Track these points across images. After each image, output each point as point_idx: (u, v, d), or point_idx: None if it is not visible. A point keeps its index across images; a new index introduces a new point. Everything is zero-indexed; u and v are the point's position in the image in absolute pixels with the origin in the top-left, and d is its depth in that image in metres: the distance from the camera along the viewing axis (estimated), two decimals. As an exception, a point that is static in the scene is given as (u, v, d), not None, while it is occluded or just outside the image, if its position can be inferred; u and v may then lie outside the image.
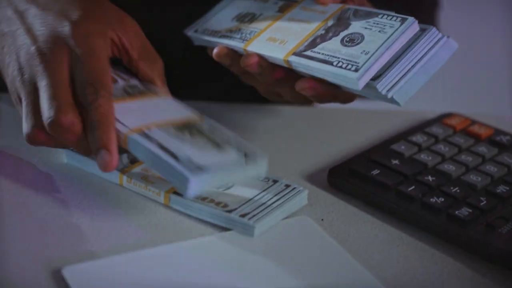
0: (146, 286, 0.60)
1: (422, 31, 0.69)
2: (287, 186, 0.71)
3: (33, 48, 0.69)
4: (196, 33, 0.79)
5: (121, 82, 0.73)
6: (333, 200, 0.73)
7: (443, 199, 0.70)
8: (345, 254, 0.65)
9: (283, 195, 0.70)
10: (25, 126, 0.68)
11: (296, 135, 0.83)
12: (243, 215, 0.67)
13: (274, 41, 0.73)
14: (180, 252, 0.64)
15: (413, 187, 0.71)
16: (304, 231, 0.68)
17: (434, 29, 0.69)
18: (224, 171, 0.64)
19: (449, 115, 0.83)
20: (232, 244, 0.65)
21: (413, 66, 0.68)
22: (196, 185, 0.63)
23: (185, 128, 0.68)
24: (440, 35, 0.69)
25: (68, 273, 0.60)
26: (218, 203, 0.67)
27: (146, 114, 0.69)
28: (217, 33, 0.77)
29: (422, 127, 0.81)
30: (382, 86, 0.67)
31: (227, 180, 0.67)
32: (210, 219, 0.67)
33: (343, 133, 0.84)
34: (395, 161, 0.75)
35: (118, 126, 0.67)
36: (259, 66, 0.72)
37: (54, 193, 0.71)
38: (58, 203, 0.69)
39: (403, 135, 0.79)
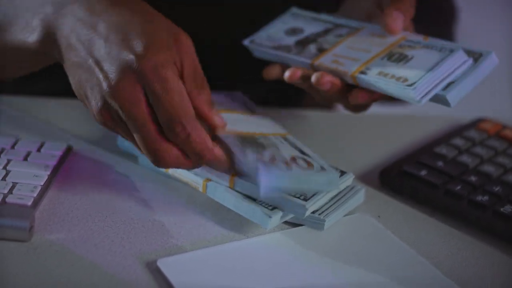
0: (230, 277, 0.67)
1: (450, 51, 0.77)
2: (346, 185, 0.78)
3: (105, 84, 0.69)
4: (253, 44, 0.86)
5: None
6: (385, 199, 0.80)
7: (487, 197, 0.77)
8: (407, 248, 0.72)
9: (344, 194, 0.77)
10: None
11: (342, 139, 0.90)
12: (313, 212, 0.74)
13: (338, 62, 0.80)
14: (263, 245, 0.71)
15: (460, 186, 0.78)
16: (366, 227, 0.75)
17: (460, 51, 0.76)
18: (298, 174, 0.71)
19: (482, 120, 0.91)
20: (304, 239, 0.72)
21: (442, 80, 0.75)
22: (267, 181, 0.68)
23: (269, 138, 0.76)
24: (465, 57, 0.76)
25: (163, 264, 0.67)
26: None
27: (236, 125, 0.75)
28: (276, 47, 0.84)
29: (459, 131, 0.88)
30: (417, 92, 0.74)
31: (301, 184, 0.72)
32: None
33: (385, 137, 0.91)
34: (440, 163, 0.82)
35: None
36: (331, 85, 0.79)
37: (134, 192, 0.77)
38: (139, 201, 0.76)
39: (444, 139, 0.87)
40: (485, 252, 0.74)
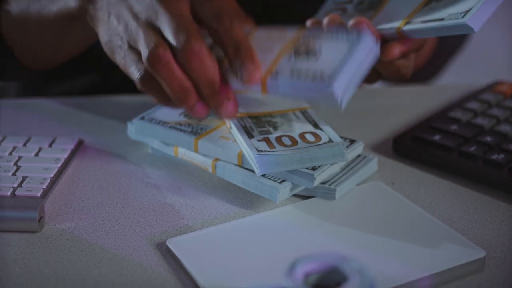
0: (240, 252, 0.66)
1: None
2: (358, 156, 0.77)
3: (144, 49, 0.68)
4: None
5: None
6: (399, 166, 0.79)
7: (503, 156, 0.75)
8: (421, 210, 0.71)
9: (356, 164, 0.76)
10: (147, 53, 0.68)
11: (356, 112, 0.89)
12: (323, 183, 0.73)
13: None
14: (270, 220, 0.70)
15: (475, 147, 0.77)
16: (379, 193, 0.73)
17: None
18: (295, 154, 0.71)
19: (497, 83, 0.89)
20: (315, 210, 0.71)
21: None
22: (339, 88, 0.66)
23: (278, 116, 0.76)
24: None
25: (172, 244, 0.67)
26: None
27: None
28: None
29: (474, 95, 0.87)
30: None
31: (303, 161, 0.71)
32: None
33: (400, 108, 0.90)
34: (454, 126, 0.80)
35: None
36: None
37: (145, 178, 0.77)
38: (150, 187, 0.76)
39: (459, 103, 0.85)
40: (503, 209, 0.72)
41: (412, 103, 0.91)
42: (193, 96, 0.69)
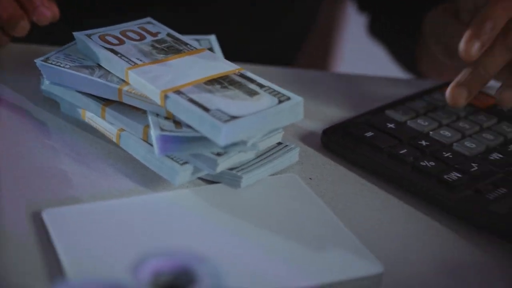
0: (117, 234, 0.60)
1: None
2: (279, 143, 0.71)
3: None
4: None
5: (148, 38, 0.73)
6: (324, 161, 0.73)
7: (434, 164, 0.69)
8: (329, 212, 0.64)
9: (275, 152, 0.70)
10: None
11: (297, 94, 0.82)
12: (231, 169, 0.67)
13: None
14: (165, 202, 0.64)
15: (406, 150, 0.70)
16: (290, 187, 0.67)
17: None
18: (257, 117, 0.64)
19: (448, 83, 0.82)
20: (216, 197, 0.65)
21: None
22: (228, 133, 0.62)
23: (216, 81, 0.68)
24: None
25: (47, 215, 0.61)
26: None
27: (179, 74, 0.68)
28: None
29: (422, 94, 0.80)
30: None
31: (262, 125, 0.65)
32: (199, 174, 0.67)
33: (343, 97, 0.83)
34: (391, 125, 0.74)
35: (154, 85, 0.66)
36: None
37: (46, 140, 0.71)
38: (47, 149, 0.70)
39: (402, 101, 0.79)
40: (421, 224, 0.66)
41: (356, 94, 0.84)
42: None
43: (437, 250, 0.64)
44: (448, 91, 0.72)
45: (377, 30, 1.03)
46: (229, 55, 0.78)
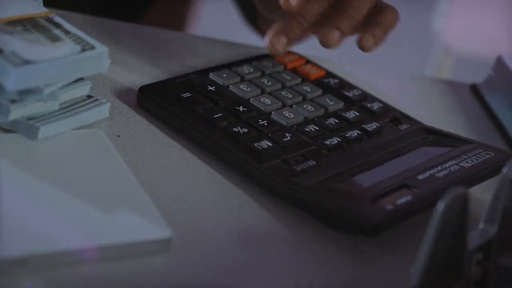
0: None
1: None
2: (89, 96, 0.67)
3: None
4: None
5: None
6: (137, 119, 0.69)
7: (246, 130, 0.66)
8: (127, 171, 0.61)
9: (82, 105, 0.66)
10: None
11: (123, 51, 0.79)
12: (31, 118, 0.63)
13: None
14: None
15: (221, 114, 0.68)
16: (92, 143, 0.64)
17: None
18: (54, 63, 0.60)
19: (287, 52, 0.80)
20: (7, 147, 0.61)
21: None
22: (19, 78, 0.58)
23: (19, 22, 0.63)
24: None
25: None
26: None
27: None
28: None
29: (252, 60, 0.77)
30: None
31: (59, 73, 0.61)
32: None
33: (175, 56, 0.80)
34: (211, 88, 0.71)
35: None
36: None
37: None
38: None
39: (228, 65, 0.76)
40: (225, 190, 0.64)
41: (200, 55, 0.81)
42: None
43: (236, 219, 0.61)
44: (267, 40, 0.70)
45: None
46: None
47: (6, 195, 0.56)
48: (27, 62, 0.59)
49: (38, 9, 0.66)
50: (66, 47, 0.62)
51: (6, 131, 0.63)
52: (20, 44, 0.60)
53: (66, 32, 0.63)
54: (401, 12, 0.75)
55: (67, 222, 0.55)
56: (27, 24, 0.63)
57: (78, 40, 0.63)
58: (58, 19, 0.65)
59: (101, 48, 0.62)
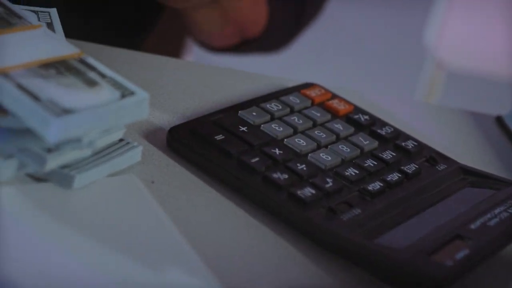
0: None
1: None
2: (121, 140, 0.64)
3: None
4: None
5: None
6: (169, 163, 0.66)
7: (287, 176, 0.64)
8: (166, 219, 0.58)
9: (114, 149, 0.63)
10: None
11: (155, 85, 0.75)
12: (65, 167, 0.59)
13: None
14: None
15: (257, 158, 0.65)
16: (127, 190, 0.61)
17: None
18: (95, 113, 0.56)
19: (309, 85, 0.77)
20: (39, 197, 0.58)
21: None
22: (60, 128, 0.55)
23: (52, 66, 0.59)
24: None
25: None
26: None
27: (9, 53, 0.59)
28: None
29: (278, 94, 0.75)
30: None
31: (99, 122, 0.58)
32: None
33: (196, 89, 0.77)
34: (243, 128, 0.68)
35: None
36: None
37: None
38: None
39: (257, 101, 0.73)
40: (268, 241, 0.61)
41: (219, 86, 0.78)
42: None
43: (282, 272, 0.59)
44: None
45: None
46: (71, 31, 0.70)
47: (42, 250, 0.53)
48: (66, 111, 0.55)
49: (69, 49, 0.62)
50: (105, 93, 0.58)
51: (37, 179, 0.60)
52: (57, 91, 0.57)
53: (102, 75, 0.60)
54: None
55: (108, 278, 0.52)
56: (60, 67, 0.60)
57: (116, 84, 0.59)
58: (91, 59, 0.61)
59: (142, 94, 0.59)
